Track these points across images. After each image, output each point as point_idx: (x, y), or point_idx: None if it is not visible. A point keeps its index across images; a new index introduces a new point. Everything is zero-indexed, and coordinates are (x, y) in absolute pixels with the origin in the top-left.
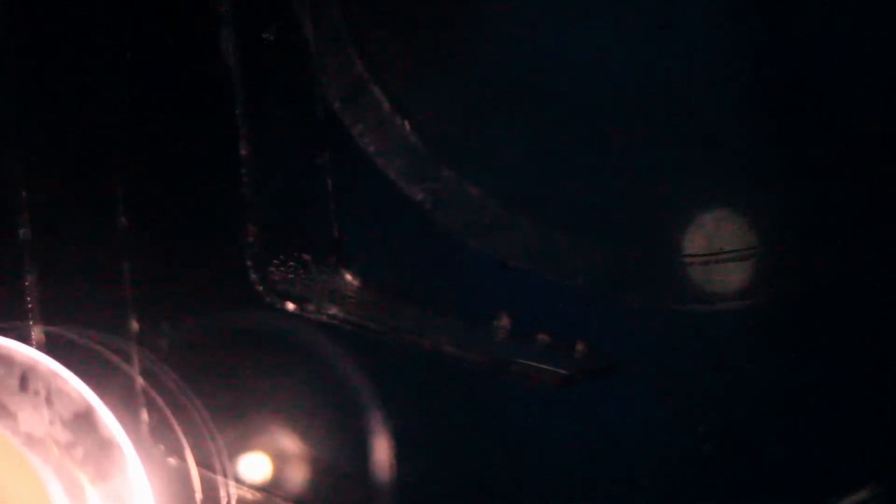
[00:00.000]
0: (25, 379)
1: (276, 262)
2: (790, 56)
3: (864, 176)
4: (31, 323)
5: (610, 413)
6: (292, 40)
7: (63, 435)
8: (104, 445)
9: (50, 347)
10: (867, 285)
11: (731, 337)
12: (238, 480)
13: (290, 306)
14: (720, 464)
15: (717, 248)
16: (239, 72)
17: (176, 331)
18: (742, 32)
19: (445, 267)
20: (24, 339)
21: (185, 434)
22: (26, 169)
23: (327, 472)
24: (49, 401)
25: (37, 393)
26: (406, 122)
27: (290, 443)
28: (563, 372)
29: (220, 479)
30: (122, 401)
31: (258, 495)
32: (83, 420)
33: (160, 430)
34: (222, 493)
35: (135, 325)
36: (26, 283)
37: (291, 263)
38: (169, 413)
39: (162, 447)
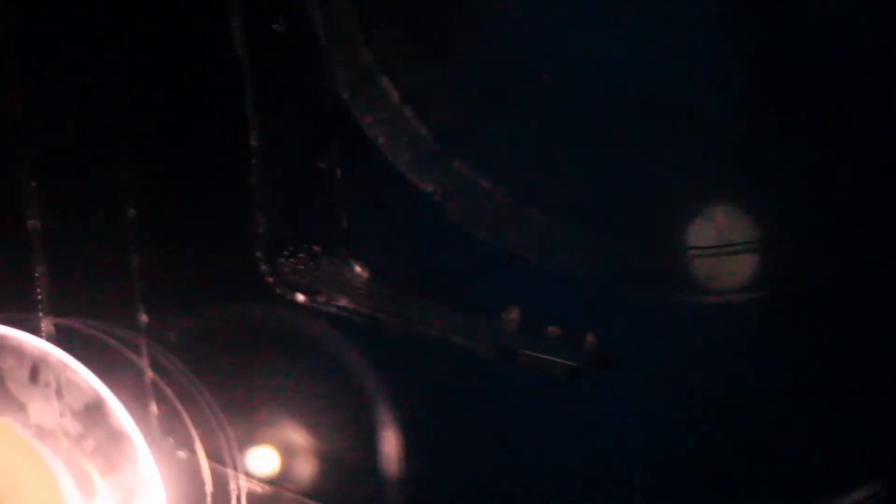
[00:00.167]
0: (36, 371)
1: (285, 253)
2: (792, 53)
3: (863, 174)
4: (41, 315)
5: (618, 404)
6: (302, 31)
7: (73, 427)
8: (114, 437)
9: (60, 339)
10: (870, 283)
11: (739, 330)
12: (248, 473)
13: (300, 298)
14: (724, 458)
15: (725, 240)
16: (248, 63)
17: (185, 323)
18: (756, 22)
19: (455, 259)
20: (35, 330)
21: (195, 427)
22: (34, 160)
23: (337, 464)
24: (59, 393)
25: (47, 385)
26: (415, 114)
27: (299, 435)
28: (572, 364)
29: (229, 472)
30: (132, 393)
31: (268, 488)
32: (93, 412)
33: (170, 423)
34: (232, 486)
35: (144, 318)
36: (36, 275)
37: (301, 255)
38: (179, 405)
39: (172, 440)
